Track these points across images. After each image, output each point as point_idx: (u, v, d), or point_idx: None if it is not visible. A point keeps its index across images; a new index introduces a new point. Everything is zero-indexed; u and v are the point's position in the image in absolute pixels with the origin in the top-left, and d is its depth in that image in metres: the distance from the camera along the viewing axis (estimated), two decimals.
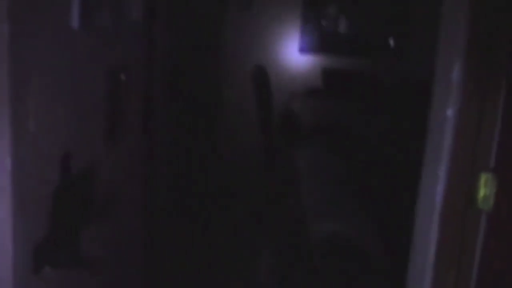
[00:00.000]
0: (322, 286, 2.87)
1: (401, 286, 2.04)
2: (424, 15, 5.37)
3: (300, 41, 6.12)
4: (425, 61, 5.49)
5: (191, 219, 4.63)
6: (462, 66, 1.66)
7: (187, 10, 4.96)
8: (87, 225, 2.37)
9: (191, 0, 5.09)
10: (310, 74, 6.09)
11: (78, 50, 2.22)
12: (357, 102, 5.47)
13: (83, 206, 2.34)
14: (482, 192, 1.70)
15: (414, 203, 1.91)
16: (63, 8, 2.07)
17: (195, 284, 3.72)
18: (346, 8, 6.03)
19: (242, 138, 6.01)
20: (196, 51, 5.25)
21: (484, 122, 1.65)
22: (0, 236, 1.77)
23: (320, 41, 6.10)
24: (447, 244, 1.74)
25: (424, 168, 1.83)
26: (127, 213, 3.12)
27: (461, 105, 1.68)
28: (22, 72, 1.78)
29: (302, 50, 6.13)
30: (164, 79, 3.95)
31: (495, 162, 1.67)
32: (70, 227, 2.14)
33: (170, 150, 4.38)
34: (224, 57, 5.92)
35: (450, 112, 1.70)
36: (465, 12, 1.65)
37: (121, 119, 2.81)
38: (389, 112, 5.10)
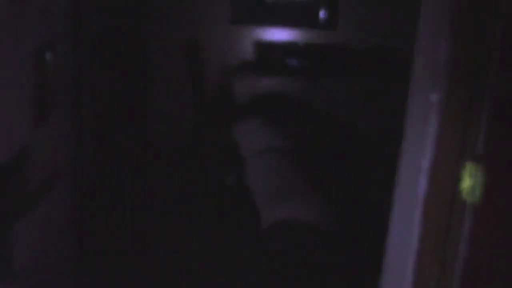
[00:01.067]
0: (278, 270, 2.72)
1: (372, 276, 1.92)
2: None
3: (232, 13, 5.88)
4: (357, 31, 5.47)
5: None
6: (449, 45, 1.51)
7: None
8: (19, 220, 2.10)
9: None
10: (244, 46, 5.88)
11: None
12: (293, 73, 5.33)
13: (15, 201, 2.07)
14: (467, 182, 1.57)
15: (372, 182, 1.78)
16: None
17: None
18: None
19: (173, 115, 5.75)
20: (125, 25, 4.92)
21: (472, 107, 1.51)
22: None
23: (252, 12, 5.89)
24: (430, 239, 1.61)
25: (403, 157, 1.69)
26: (59, 201, 2.85)
27: (447, 89, 1.53)
28: None
29: (235, 21, 5.90)
30: (92, 55, 3.65)
31: (483, 151, 1.54)
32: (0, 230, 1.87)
33: (100, 131, 4.09)
34: (155, 30, 5.60)
35: (434, 97, 1.55)
36: None
37: (50, 101, 2.54)
38: (328, 82, 4.99)
